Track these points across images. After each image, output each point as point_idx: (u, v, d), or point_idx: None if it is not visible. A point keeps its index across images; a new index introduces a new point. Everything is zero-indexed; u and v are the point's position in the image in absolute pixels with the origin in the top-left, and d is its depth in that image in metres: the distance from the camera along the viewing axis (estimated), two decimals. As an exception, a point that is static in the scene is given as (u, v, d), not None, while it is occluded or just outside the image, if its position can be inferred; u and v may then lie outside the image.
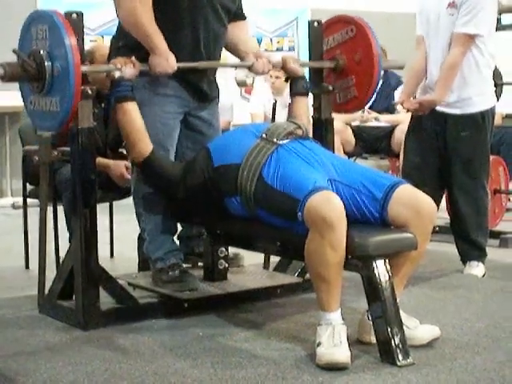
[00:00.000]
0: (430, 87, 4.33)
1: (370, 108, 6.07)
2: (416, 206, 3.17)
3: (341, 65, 4.03)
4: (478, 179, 4.41)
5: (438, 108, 4.32)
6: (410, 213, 3.15)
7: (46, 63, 3.26)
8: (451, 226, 4.62)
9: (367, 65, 3.94)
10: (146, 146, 3.52)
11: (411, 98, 4.46)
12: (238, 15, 3.89)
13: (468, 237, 4.46)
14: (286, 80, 4.00)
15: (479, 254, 4.49)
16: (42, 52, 3.27)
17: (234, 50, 3.91)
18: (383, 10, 9.77)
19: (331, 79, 4.09)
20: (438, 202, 4.49)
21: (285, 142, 3.37)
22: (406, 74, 4.44)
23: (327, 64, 4.07)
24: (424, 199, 3.22)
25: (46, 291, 3.75)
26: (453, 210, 4.55)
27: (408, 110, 4.40)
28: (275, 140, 3.36)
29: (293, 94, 3.93)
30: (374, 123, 6.23)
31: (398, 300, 3.14)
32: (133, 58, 3.45)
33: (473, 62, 4.24)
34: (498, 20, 5.87)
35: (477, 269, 4.45)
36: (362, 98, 4.01)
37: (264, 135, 3.39)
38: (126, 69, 3.43)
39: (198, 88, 3.73)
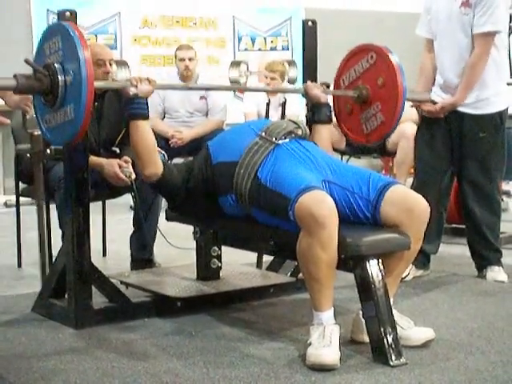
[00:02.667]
0: (448, 86, 4.28)
1: None
2: (408, 206, 3.17)
3: (365, 94, 3.96)
4: (493, 180, 4.38)
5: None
6: (402, 213, 3.15)
7: (59, 75, 3.18)
8: (467, 233, 4.56)
9: (391, 86, 3.87)
10: (157, 167, 3.45)
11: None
12: None
13: (486, 241, 4.42)
14: (311, 110, 3.89)
15: (498, 258, 4.45)
16: (55, 64, 3.20)
17: None
18: (377, 9, 9.78)
19: (357, 111, 4.03)
20: (447, 202, 4.48)
21: (283, 141, 3.37)
22: (418, 77, 4.39)
23: (350, 93, 4.01)
24: (416, 199, 3.21)
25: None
26: (467, 213, 4.47)
27: (428, 113, 4.32)
28: (274, 139, 3.36)
29: (315, 122, 3.83)
30: None
31: (392, 300, 3.14)
32: (148, 76, 3.42)
33: (491, 62, 4.21)
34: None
35: (500, 274, 4.40)
36: (389, 122, 3.91)
37: (263, 133, 3.39)
38: (142, 85, 3.37)
39: None
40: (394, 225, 3.16)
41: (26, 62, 3.27)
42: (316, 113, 3.84)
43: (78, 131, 3.18)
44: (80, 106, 3.10)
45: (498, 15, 4.13)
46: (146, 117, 3.40)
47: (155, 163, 3.45)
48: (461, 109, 4.27)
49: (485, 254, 4.46)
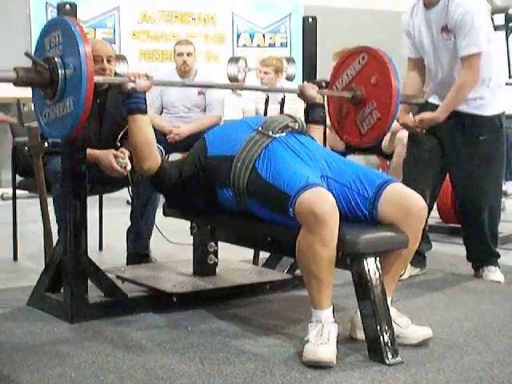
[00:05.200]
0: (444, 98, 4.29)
1: None
2: (405, 204, 3.16)
3: (359, 95, 3.98)
4: (494, 184, 4.39)
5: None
6: (400, 212, 3.14)
7: (59, 69, 3.18)
8: (464, 233, 4.56)
9: (385, 82, 3.89)
10: (155, 160, 3.48)
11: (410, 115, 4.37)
12: None
13: (485, 243, 4.43)
14: (305, 111, 3.91)
15: (495, 259, 4.47)
16: (55, 58, 3.20)
17: None
18: (376, 7, 9.79)
19: (352, 113, 4.05)
20: (432, 203, 4.49)
21: (280, 135, 3.36)
22: (402, 93, 4.39)
23: (345, 94, 4.03)
24: (413, 198, 3.20)
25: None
26: (466, 214, 4.48)
27: (405, 126, 4.34)
28: (270, 133, 3.35)
29: (309, 122, 3.82)
30: None
31: (389, 299, 3.14)
32: (146, 72, 3.44)
33: (483, 72, 4.19)
34: (491, 20, 5.88)
35: (496, 274, 4.42)
36: (385, 118, 3.91)
37: (260, 128, 3.39)
38: (140, 81, 3.40)
39: None
40: (392, 223, 3.16)
41: (27, 54, 3.28)
42: (310, 113, 3.87)
43: (77, 124, 3.17)
44: (80, 99, 3.10)
45: (479, 34, 4.12)
46: (143, 111, 3.43)
47: (154, 157, 3.48)
48: (463, 109, 4.26)
49: (482, 255, 4.47)
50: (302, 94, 3.89)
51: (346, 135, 4.15)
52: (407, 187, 3.25)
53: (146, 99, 3.45)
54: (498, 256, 4.49)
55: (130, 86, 3.39)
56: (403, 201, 3.17)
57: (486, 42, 4.16)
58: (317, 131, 3.83)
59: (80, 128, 3.23)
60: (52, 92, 3.23)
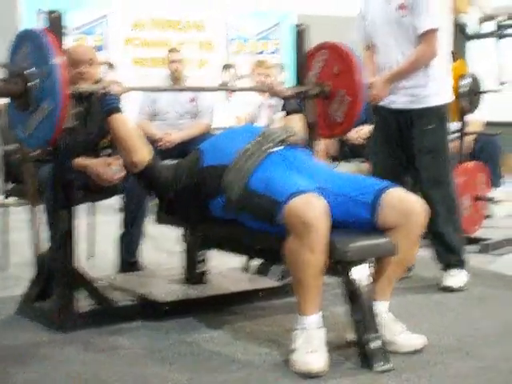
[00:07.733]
0: (396, 86, 4.28)
1: None
2: (405, 209, 3.15)
3: (327, 90, 4.03)
4: (446, 172, 4.32)
5: (400, 106, 4.29)
6: (400, 216, 3.13)
7: (32, 78, 3.21)
8: (428, 230, 4.54)
9: (347, 66, 3.97)
10: (144, 154, 3.48)
11: None
12: None
13: (442, 237, 4.32)
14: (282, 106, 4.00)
15: (457, 260, 4.35)
16: (29, 70, 3.22)
17: None
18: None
19: (325, 108, 4.08)
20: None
21: (276, 149, 3.35)
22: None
23: (314, 91, 4.06)
24: (414, 202, 3.19)
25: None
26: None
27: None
28: (267, 146, 3.34)
29: (287, 112, 3.91)
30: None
31: (387, 303, 3.17)
32: (119, 81, 3.50)
33: (428, 66, 4.24)
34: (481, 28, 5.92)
35: (453, 279, 4.29)
36: (356, 98, 3.97)
37: (256, 140, 3.37)
38: (113, 86, 3.44)
39: None
40: (392, 227, 3.14)
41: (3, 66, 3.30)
42: (287, 104, 3.94)
43: (58, 123, 3.18)
44: (56, 99, 3.13)
45: (435, 12, 4.17)
46: (118, 109, 3.46)
47: (141, 149, 3.49)
48: (405, 106, 4.28)
49: (444, 254, 4.37)
50: (271, 91, 4.00)
51: (326, 132, 4.19)
52: (407, 192, 3.24)
53: (119, 99, 3.48)
54: (459, 255, 4.35)
55: (101, 91, 3.45)
56: (403, 205, 3.15)
57: (440, 22, 4.19)
58: (298, 120, 3.88)
59: (60, 128, 3.22)
60: (27, 102, 3.25)
